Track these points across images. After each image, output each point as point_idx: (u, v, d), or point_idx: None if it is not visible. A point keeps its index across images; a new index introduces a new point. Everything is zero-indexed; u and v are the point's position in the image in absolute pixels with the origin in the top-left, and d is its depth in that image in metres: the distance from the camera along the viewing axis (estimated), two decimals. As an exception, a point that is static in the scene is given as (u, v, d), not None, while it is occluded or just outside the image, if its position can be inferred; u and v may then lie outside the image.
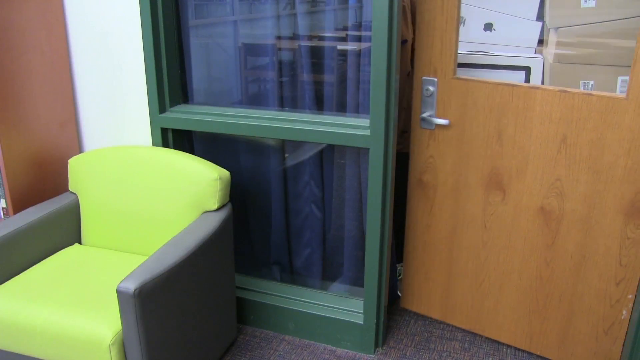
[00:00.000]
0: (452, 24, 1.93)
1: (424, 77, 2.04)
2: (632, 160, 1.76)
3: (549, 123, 1.86)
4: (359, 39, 2.13)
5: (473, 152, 2.03)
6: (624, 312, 1.90)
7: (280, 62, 2.29)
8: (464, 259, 2.18)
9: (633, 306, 1.90)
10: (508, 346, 2.20)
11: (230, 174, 2.05)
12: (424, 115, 2.05)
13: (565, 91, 1.81)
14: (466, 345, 2.23)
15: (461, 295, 2.24)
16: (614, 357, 1.96)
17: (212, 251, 1.88)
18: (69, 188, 2.19)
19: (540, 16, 2.81)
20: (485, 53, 2.59)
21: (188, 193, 1.97)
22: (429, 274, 2.29)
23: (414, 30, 2.08)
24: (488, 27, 2.79)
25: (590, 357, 2.02)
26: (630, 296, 1.88)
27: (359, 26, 2.13)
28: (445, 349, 2.21)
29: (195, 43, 2.31)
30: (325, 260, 2.43)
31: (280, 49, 2.26)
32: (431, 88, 2.04)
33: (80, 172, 2.13)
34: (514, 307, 2.12)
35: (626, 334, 1.94)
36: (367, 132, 1.93)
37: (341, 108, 2.20)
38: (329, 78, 2.22)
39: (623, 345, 1.94)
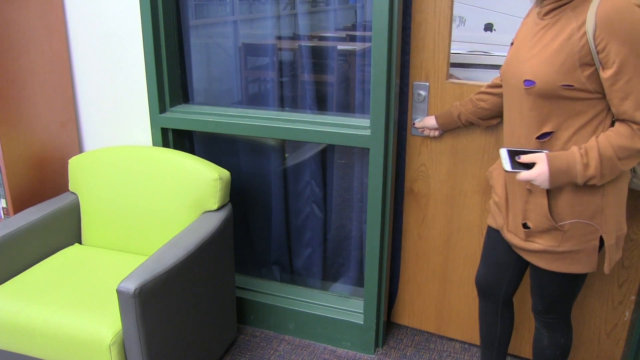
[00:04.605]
0: (445, 25, 1.86)
1: (415, 82, 1.95)
2: None
3: None
4: (359, 39, 2.13)
5: (470, 159, 1.96)
6: (627, 313, 1.90)
7: (280, 62, 2.29)
8: (460, 268, 2.12)
9: (634, 307, 1.90)
10: (508, 346, 2.20)
11: (231, 174, 2.05)
12: (416, 121, 1.97)
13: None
14: (466, 345, 2.23)
15: (457, 306, 2.18)
16: (616, 359, 1.96)
17: (212, 251, 1.88)
18: (69, 188, 2.19)
19: (540, 16, 2.81)
20: (485, 53, 2.60)
21: (188, 193, 1.97)
22: (421, 286, 2.23)
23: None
24: (488, 27, 2.79)
25: None
26: (632, 297, 1.88)
27: (359, 26, 2.13)
28: (445, 349, 2.21)
29: (196, 43, 2.31)
30: (325, 260, 2.43)
31: (280, 49, 2.26)
32: (423, 93, 1.95)
33: (80, 172, 2.13)
34: (515, 314, 2.07)
35: (628, 335, 1.94)
36: (367, 132, 1.93)
37: (341, 108, 2.20)
38: (329, 78, 2.23)
39: (625, 346, 1.94)
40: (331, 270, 2.44)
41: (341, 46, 2.20)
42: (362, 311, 2.20)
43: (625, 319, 1.91)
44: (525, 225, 1.47)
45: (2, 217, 2.14)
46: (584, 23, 1.26)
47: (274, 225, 2.42)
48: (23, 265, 1.94)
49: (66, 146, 2.33)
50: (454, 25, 1.92)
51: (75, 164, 2.14)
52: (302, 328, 2.27)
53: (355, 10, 2.16)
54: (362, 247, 2.30)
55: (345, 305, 2.24)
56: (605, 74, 1.26)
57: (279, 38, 2.23)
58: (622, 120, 1.29)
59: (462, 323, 2.20)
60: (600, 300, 1.93)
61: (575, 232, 1.40)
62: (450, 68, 2.00)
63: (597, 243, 1.40)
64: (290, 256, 2.47)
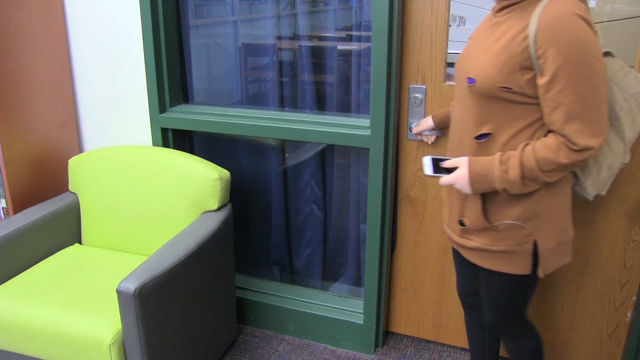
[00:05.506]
0: (442, 26, 1.83)
1: (411, 85, 1.92)
2: (636, 163, 1.74)
3: None
4: (359, 39, 2.13)
5: None
6: (628, 314, 1.90)
7: (280, 62, 2.29)
8: None
9: (636, 307, 1.90)
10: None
11: (230, 174, 2.05)
12: (412, 125, 1.95)
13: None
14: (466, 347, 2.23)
15: (456, 313, 2.16)
16: (618, 359, 1.96)
17: (212, 251, 1.88)
18: (69, 188, 2.19)
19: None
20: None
21: (188, 193, 1.97)
22: (418, 294, 2.21)
23: None
24: (488, 27, 2.77)
25: (594, 361, 2.01)
26: (634, 298, 1.88)
27: (359, 26, 2.13)
28: (445, 349, 2.21)
29: (196, 43, 2.31)
30: (325, 260, 2.43)
31: (280, 49, 2.26)
32: (419, 96, 1.91)
33: (80, 172, 2.13)
34: None
35: (628, 335, 1.94)
36: (367, 132, 1.93)
37: (341, 108, 2.20)
38: (329, 78, 2.22)
39: (625, 346, 1.94)
40: (331, 270, 2.44)
41: (341, 46, 2.20)
42: (362, 311, 2.19)
43: (627, 319, 1.91)
44: (461, 223, 1.46)
45: (2, 217, 2.14)
46: (527, 26, 1.22)
47: (274, 225, 2.42)
48: (23, 265, 1.94)
49: (66, 146, 2.33)
50: (453, 25, 1.92)
51: (75, 164, 2.14)
52: (302, 328, 2.27)
53: (355, 10, 2.16)
54: (362, 247, 2.30)
55: (345, 305, 2.24)
56: (541, 81, 1.22)
57: (279, 38, 2.23)
58: (553, 131, 1.26)
59: (461, 330, 2.18)
60: (602, 301, 1.93)
61: (510, 233, 1.37)
62: (450, 68, 1.98)
63: (531, 247, 1.37)
64: (290, 256, 2.47)
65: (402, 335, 2.30)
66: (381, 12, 1.77)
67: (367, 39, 2.06)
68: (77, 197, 2.15)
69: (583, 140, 1.21)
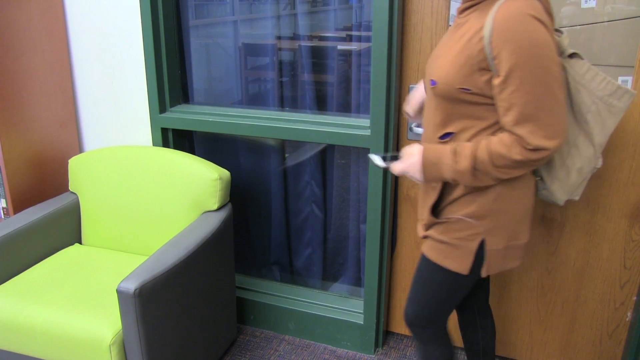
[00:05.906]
0: (442, 26, 1.84)
1: (411, 85, 1.92)
2: (636, 163, 1.75)
3: None
4: (359, 39, 2.13)
5: None
6: (629, 314, 1.90)
7: (280, 62, 2.29)
8: None
9: (636, 307, 1.90)
10: (508, 346, 2.20)
11: (230, 174, 2.05)
12: (412, 125, 1.94)
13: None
14: (466, 345, 2.23)
15: (455, 314, 2.09)
16: (618, 359, 1.96)
17: (212, 251, 1.88)
18: (69, 188, 2.19)
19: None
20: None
21: (188, 193, 1.97)
22: None
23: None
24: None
25: (594, 361, 2.01)
26: (634, 298, 1.88)
27: (359, 26, 2.14)
28: (445, 349, 2.21)
29: (196, 43, 2.31)
30: (325, 260, 2.43)
31: (280, 49, 2.26)
32: None
33: (80, 172, 2.13)
34: (513, 319, 2.08)
35: (628, 335, 1.94)
36: (368, 132, 1.93)
37: (341, 108, 2.20)
38: (329, 78, 2.23)
39: (625, 346, 1.94)
40: (331, 270, 2.44)
41: (341, 46, 2.20)
42: (362, 311, 2.19)
43: (627, 319, 1.91)
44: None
45: (2, 217, 2.14)
46: (483, 27, 1.21)
47: (274, 225, 2.42)
48: (23, 265, 1.94)
49: (66, 146, 2.33)
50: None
51: (75, 164, 2.14)
52: (302, 328, 2.27)
53: (356, 10, 2.16)
54: (362, 247, 2.30)
55: (345, 305, 2.24)
56: (495, 82, 1.21)
57: (279, 38, 2.23)
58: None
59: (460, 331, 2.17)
60: (602, 302, 1.93)
61: (459, 226, 1.35)
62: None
63: (477, 245, 1.35)
64: (290, 256, 2.47)
65: (402, 335, 2.30)
66: (381, 12, 1.77)
67: (367, 39, 2.06)
68: (77, 197, 2.15)
69: (536, 141, 1.20)
